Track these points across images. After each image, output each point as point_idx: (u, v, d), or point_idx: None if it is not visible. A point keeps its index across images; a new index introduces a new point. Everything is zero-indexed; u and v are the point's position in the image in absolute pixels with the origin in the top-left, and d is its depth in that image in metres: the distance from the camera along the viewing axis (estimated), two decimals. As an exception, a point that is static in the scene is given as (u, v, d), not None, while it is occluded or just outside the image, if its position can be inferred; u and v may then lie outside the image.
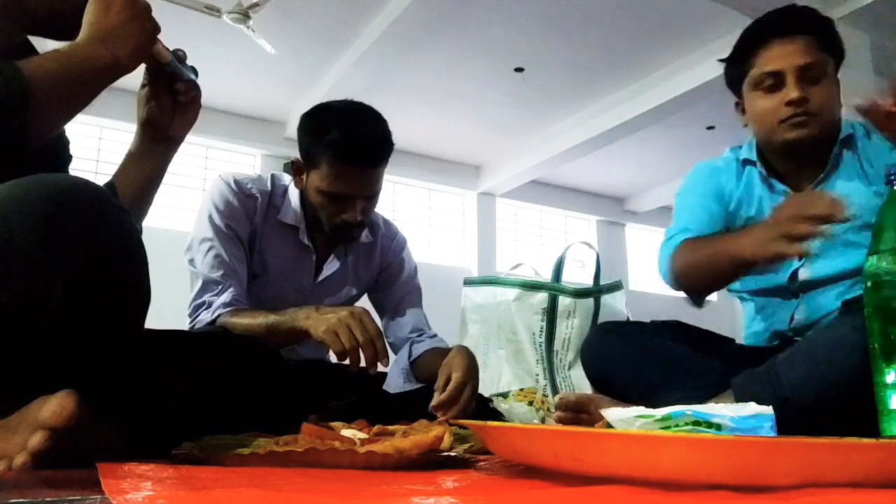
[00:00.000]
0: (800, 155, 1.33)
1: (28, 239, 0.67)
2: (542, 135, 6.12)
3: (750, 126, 1.38)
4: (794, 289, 1.35)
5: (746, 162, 1.41)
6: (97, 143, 5.21)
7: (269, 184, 1.48)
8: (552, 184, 7.33)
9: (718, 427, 0.65)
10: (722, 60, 1.41)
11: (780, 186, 1.36)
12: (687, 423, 0.66)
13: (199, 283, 1.36)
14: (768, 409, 0.67)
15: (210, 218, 1.39)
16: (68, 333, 0.72)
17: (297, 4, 4.13)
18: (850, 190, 1.28)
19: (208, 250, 1.37)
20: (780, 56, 1.29)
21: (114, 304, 0.76)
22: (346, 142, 1.33)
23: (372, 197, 1.41)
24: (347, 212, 1.38)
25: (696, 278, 1.30)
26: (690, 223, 1.37)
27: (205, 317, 1.32)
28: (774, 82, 1.29)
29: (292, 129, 5.77)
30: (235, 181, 1.44)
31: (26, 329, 0.69)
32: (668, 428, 0.66)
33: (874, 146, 1.31)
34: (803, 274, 1.33)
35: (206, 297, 1.34)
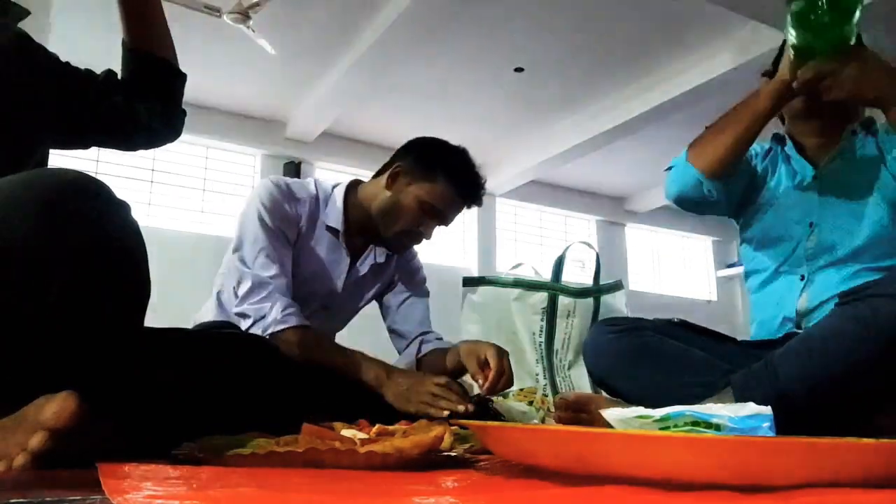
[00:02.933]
0: (818, 113, 1.38)
1: (27, 234, 0.67)
2: (542, 135, 6.11)
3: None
4: (804, 257, 1.39)
5: (777, 139, 1.51)
6: (97, 144, 5.20)
7: (313, 186, 1.55)
8: (552, 184, 7.33)
9: (717, 427, 0.65)
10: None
11: (797, 157, 1.44)
12: (686, 424, 0.66)
13: (248, 283, 1.37)
14: (767, 409, 0.67)
15: (260, 218, 1.42)
16: (68, 329, 0.72)
17: (297, 4, 4.13)
18: (865, 166, 1.34)
19: (258, 250, 1.40)
20: None
21: (113, 298, 0.76)
22: (470, 178, 1.54)
23: (447, 226, 1.57)
24: (426, 226, 1.52)
25: (712, 146, 1.37)
26: None
27: (258, 331, 1.34)
28: None
29: (292, 129, 5.81)
30: (285, 182, 1.51)
31: (26, 325, 0.69)
32: (667, 428, 0.66)
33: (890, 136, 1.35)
34: (810, 242, 1.38)
35: (260, 305, 1.35)
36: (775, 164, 1.51)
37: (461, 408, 1.22)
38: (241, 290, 1.38)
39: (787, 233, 1.42)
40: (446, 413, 1.22)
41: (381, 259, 1.62)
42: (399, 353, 1.65)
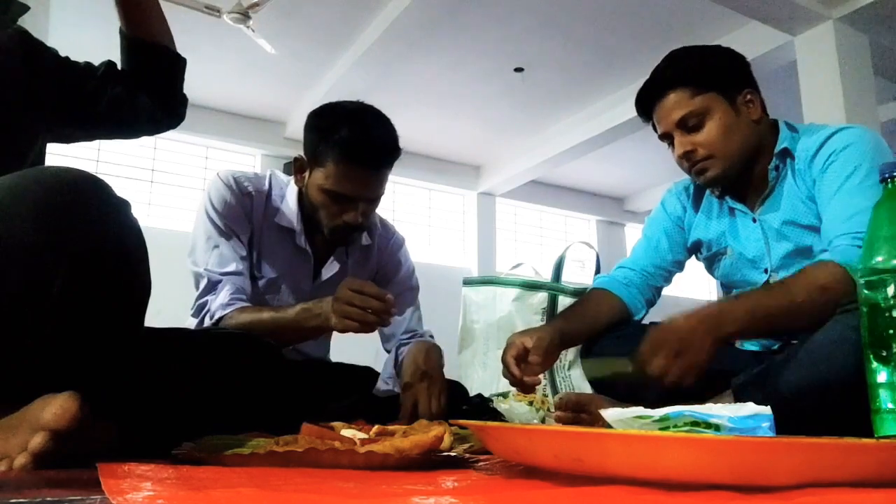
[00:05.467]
0: (724, 190, 1.36)
1: (28, 233, 0.67)
2: (542, 135, 6.12)
3: None
4: None
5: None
6: (97, 144, 5.21)
7: (266, 182, 1.47)
8: (552, 184, 7.33)
9: (717, 427, 0.65)
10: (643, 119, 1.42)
11: (736, 205, 1.37)
12: (685, 424, 0.66)
13: (203, 282, 1.36)
14: (766, 409, 0.67)
15: (209, 217, 1.39)
16: (68, 327, 0.72)
17: (297, 4, 4.13)
18: (792, 200, 1.28)
19: (210, 249, 1.37)
20: (661, 118, 1.32)
21: (114, 297, 0.76)
22: (356, 141, 1.32)
23: (374, 200, 1.40)
24: (348, 213, 1.36)
25: None
26: (627, 261, 1.50)
27: (206, 320, 1.32)
28: (670, 141, 1.33)
29: (292, 129, 5.81)
30: (233, 179, 1.43)
31: (26, 325, 0.69)
32: (666, 428, 0.66)
33: (802, 153, 1.29)
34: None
35: (208, 297, 1.34)
36: (710, 210, 1.43)
37: (371, 318, 1.16)
38: (198, 290, 1.36)
39: (746, 278, 1.38)
40: (355, 325, 1.17)
41: (352, 256, 1.53)
42: (387, 353, 1.60)
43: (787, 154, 1.31)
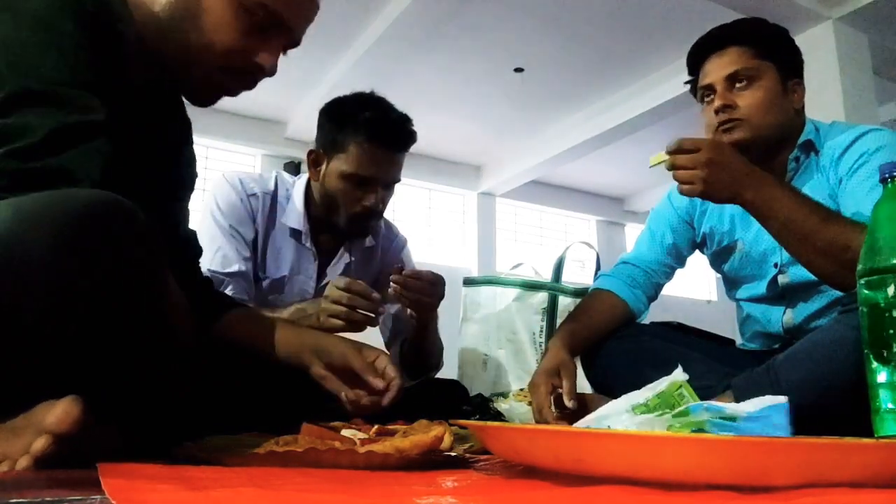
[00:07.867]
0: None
1: (48, 257, 0.65)
2: (542, 135, 6.12)
3: None
4: (777, 294, 1.34)
5: None
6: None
7: (272, 183, 1.48)
8: (552, 184, 7.33)
9: (733, 418, 0.65)
10: (688, 82, 1.44)
11: None
12: (688, 425, 0.66)
13: None
14: (782, 399, 0.68)
15: (214, 218, 1.40)
16: (86, 349, 0.70)
17: (297, 4, 4.13)
18: (811, 195, 1.24)
19: (214, 249, 1.37)
20: (712, 69, 1.32)
21: (135, 323, 0.74)
22: (380, 123, 1.37)
23: (392, 184, 1.43)
24: (368, 197, 1.39)
25: None
26: (630, 255, 1.50)
27: None
28: (711, 95, 1.32)
29: (292, 129, 5.81)
30: (239, 180, 1.45)
31: (45, 344, 0.68)
32: (662, 415, 0.66)
33: (829, 150, 1.28)
34: (782, 280, 1.32)
35: None
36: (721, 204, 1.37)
37: (358, 316, 1.17)
38: None
39: (755, 273, 1.37)
40: (341, 324, 1.17)
41: (356, 256, 1.54)
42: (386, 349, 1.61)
43: (809, 147, 1.30)
